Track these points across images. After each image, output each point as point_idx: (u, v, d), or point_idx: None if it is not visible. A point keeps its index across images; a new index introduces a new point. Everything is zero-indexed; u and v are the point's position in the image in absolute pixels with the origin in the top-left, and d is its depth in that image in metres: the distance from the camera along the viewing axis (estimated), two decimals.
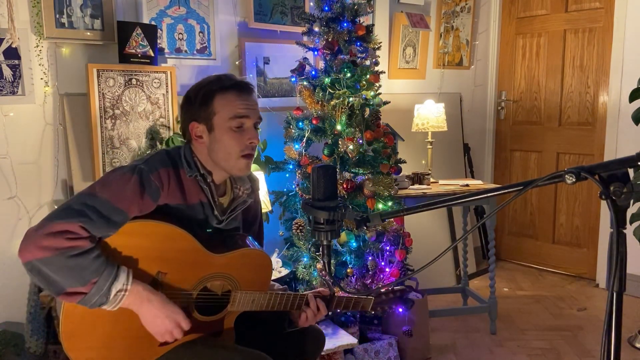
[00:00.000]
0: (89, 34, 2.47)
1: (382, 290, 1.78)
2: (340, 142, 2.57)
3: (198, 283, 1.54)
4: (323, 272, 2.53)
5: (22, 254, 1.31)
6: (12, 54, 2.31)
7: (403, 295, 1.76)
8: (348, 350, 2.56)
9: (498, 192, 1.06)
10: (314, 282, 2.58)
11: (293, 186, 2.80)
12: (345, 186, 2.54)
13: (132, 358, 1.48)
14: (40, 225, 1.33)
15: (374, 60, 2.72)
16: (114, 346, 1.45)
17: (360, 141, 2.58)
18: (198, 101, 1.56)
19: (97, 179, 1.47)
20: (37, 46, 2.37)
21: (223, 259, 1.55)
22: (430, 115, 3.42)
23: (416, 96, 3.80)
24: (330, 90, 2.58)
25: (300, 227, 2.65)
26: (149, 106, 2.61)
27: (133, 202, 1.41)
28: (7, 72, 2.31)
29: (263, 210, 2.59)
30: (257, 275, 1.63)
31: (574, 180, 0.91)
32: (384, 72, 2.93)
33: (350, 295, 1.74)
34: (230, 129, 1.53)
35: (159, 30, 2.68)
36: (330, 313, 1.73)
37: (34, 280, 1.35)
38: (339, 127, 2.57)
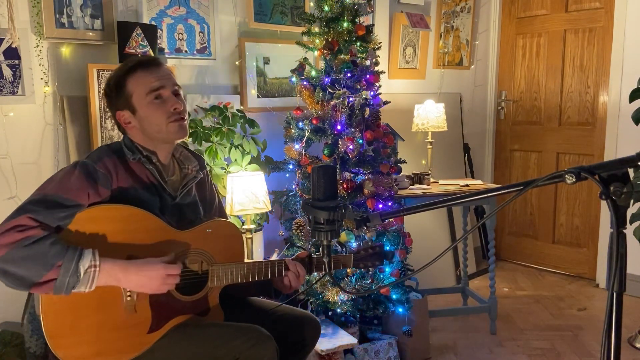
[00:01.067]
0: (89, 34, 2.47)
1: (360, 248, 1.80)
2: (340, 142, 2.57)
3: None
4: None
5: None
6: (12, 54, 2.31)
7: (381, 250, 1.78)
8: (348, 350, 2.56)
9: (498, 192, 1.06)
10: (312, 281, 2.58)
11: (293, 186, 2.80)
12: (345, 186, 2.54)
13: (124, 347, 1.48)
14: None
15: (374, 60, 2.72)
16: (101, 339, 1.45)
17: (360, 141, 2.58)
18: (113, 91, 1.61)
19: (43, 182, 1.50)
20: (37, 46, 2.37)
21: (191, 234, 1.57)
22: (430, 115, 3.42)
23: (416, 96, 3.80)
24: (330, 90, 2.58)
25: (300, 227, 2.65)
26: None
27: (81, 191, 1.43)
28: (7, 72, 2.31)
29: (263, 211, 2.61)
30: (229, 245, 1.64)
31: (574, 180, 0.91)
32: (384, 72, 2.93)
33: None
34: (151, 103, 1.58)
35: (159, 30, 2.68)
36: (310, 275, 1.75)
37: (5, 284, 1.35)
38: (339, 127, 2.57)
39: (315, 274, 1.86)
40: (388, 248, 2.62)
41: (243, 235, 2.66)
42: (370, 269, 1.80)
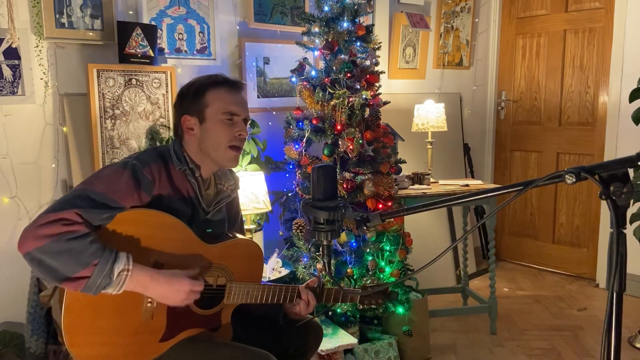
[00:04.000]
0: (89, 34, 2.47)
1: (368, 286, 1.82)
2: (340, 142, 2.57)
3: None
4: (323, 272, 2.53)
5: (21, 247, 1.33)
6: (12, 54, 2.31)
7: (386, 291, 1.80)
8: (348, 350, 2.56)
9: (498, 192, 1.06)
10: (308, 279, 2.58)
11: (293, 186, 2.80)
12: (345, 186, 2.54)
13: (133, 354, 1.49)
14: (36, 219, 1.35)
15: (374, 60, 2.72)
16: (115, 342, 1.46)
17: (360, 141, 2.58)
18: (191, 95, 1.63)
19: (90, 175, 1.52)
20: (37, 46, 2.37)
21: (216, 249, 1.59)
22: (430, 115, 3.42)
23: (416, 96, 3.80)
24: (330, 90, 2.58)
25: (300, 227, 2.65)
26: (149, 106, 2.61)
27: (127, 195, 1.45)
28: (7, 72, 2.31)
29: (263, 211, 2.61)
30: (250, 266, 1.66)
31: (574, 180, 0.91)
32: (384, 72, 2.93)
33: (337, 288, 1.79)
34: (222, 121, 1.60)
35: (159, 30, 2.68)
36: (319, 304, 1.76)
37: (36, 273, 1.36)
38: (339, 127, 2.57)
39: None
40: (388, 252, 2.62)
41: None
42: (374, 307, 1.83)
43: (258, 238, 2.82)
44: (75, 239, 1.34)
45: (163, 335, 1.51)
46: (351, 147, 2.53)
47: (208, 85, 1.62)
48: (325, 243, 1.18)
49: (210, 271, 1.59)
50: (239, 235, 1.71)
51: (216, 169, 1.71)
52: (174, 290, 1.44)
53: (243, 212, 2.55)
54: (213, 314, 1.61)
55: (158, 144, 2.62)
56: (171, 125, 2.67)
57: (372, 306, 1.80)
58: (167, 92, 2.66)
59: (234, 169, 1.84)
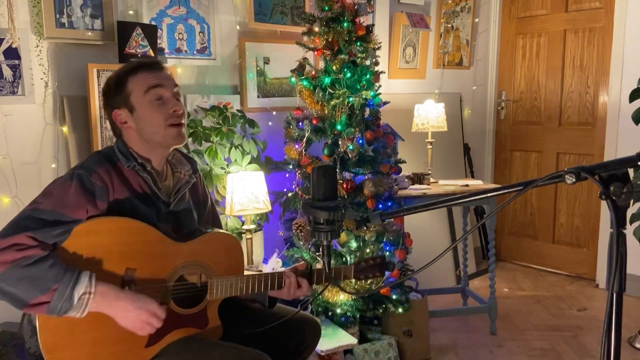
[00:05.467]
0: (89, 34, 2.47)
1: (362, 260, 1.79)
2: (340, 142, 2.57)
3: (171, 274, 1.52)
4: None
5: None
6: (12, 54, 2.31)
7: (382, 262, 1.78)
8: (348, 350, 2.56)
9: (498, 192, 1.06)
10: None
11: (293, 186, 2.80)
12: (345, 186, 2.54)
13: None
14: None
15: (374, 60, 2.72)
16: (99, 354, 1.43)
17: (360, 141, 2.58)
18: (113, 88, 1.59)
19: (37, 195, 1.46)
20: (37, 46, 2.37)
21: (190, 246, 1.55)
22: (430, 115, 3.41)
23: (416, 96, 3.80)
24: (330, 90, 2.58)
25: (300, 227, 2.65)
26: None
27: (78, 207, 1.40)
28: (7, 72, 2.31)
29: (263, 211, 2.61)
30: (228, 258, 1.63)
31: (574, 180, 0.91)
32: (384, 72, 2.93)
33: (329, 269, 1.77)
34: (150, 103, 1.56)
35: (159, 30, 2.67)
36: (314, 286, 1.74)
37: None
38: (339, 127, 2.57)
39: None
40: (388, 252, 2.62)
41: (243, 235, 2.66)
42: (371, 280, 1.79)
43: (258, 238, 2.82)
44: (33, 264, 1.30)
45: (148, 341, 1.48)
46: (351, 147, 2.53)
47: (126, 73, 1.57)
48: (325, 243, 1.18)
49: (188, 269, 1.55)
50: (213, 229, 1.67)
51: (167, 154, 1.65)
52: (134, 309, 1.40)
53: (243, 212, 2.56)
54: (198, 312, 1.58)
55: None
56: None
57: (370, 279, 1.77)
58: None
59: (190, 154, 1.77)
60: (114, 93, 1.58)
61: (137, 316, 1.41)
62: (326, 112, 2.62)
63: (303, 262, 1.76)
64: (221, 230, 1.70)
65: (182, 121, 1.60)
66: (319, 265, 1.93)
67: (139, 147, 1.59)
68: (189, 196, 1.70)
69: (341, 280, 1.78)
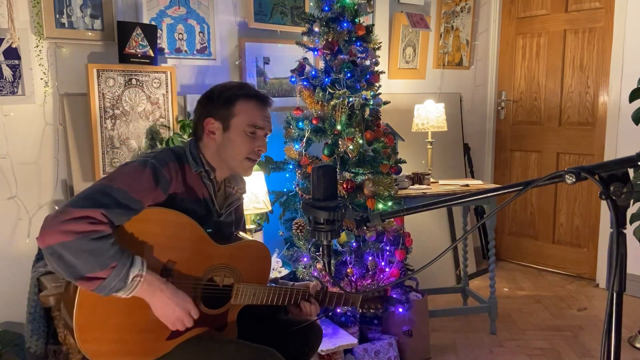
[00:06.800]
0: (89, 34, 2.47)
1: (369, 290, 1.85)
2: (340, 142, 2.57)
3: (205, 274, 1.57)
4: (323, 272, 2.53)
5: (43, 239, 1.33)
6: (12, 54, 2.31)
7: (385, 295, 1.85)
8: (348, 350, 2.56)
9: (498, 192, 1.06)
10: (307, 279, 2.58)
11: (293, 186, 2.80)
12: (345, 186, 2.54)
13: (141, 351, 1.50)
14: (60, 211, 1.35)
15: (374, 60, 2.72)
16: (124, 339, 1.47)
17: (360, 141, 2.58)
18: (221, 100, 1.64)
19: (111, 172, 1.52)
20: (37, 46, 2.37)
21: (227, 250, 1.61)
22: (430, 115, 3.41)
23: (416, 96, 3.80)
24: (330, 90, 2.58)
25: (300, 227, 2.65)
26: (149, 106, 2.61)
27: (147, 193, 1.46)
28: (7, 72, 2.31)
29: (263, 211, 2.61)
30: (258, 267, 1.69)
31: (574, 180, 0.91)
32: (384, 72, 2.93)
33: (340, 291, 1.82)
34: (245, 133, 1.63)
35: (159, 30, 2.68)
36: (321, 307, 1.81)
37: (52, 266, 1.36)
38: (339, 127, 2.57)
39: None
40: (388, 252, 2.62)
41: None
42: (372, 311, 1.86)
43: (258, 238, 2.81)
44: (100, 239, 1.34)
45: (170, 334, 1.52)
46: (351, 147, 2.53)
47: (240, 95, 1.64)
48: (325, 243, 1.18)
49: (219, 271, 1.60)
50: (248, 237, 1.74)
51: (228, 175, 1.73)
52: (174, 304, 1.45)
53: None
54: (220, 313, 1.62)
55: (158, 144, 2.62)
56: (171, 125, 2.67)
57: (372, 310, 1.83)
58: (167, 92, 2.66)
59: None
60: (219, 105, 1.63)
61: (174, 312, 1.46)
62: (326, 112, 2.62)
63: (316, 282, 1.81)
64: (256, 240, 1.77)
65: (258, 159, 1.70)
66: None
67: (211, 157, 1.65)
68: (233, 212, 1.78)
69: (349, 306, 1.83)
